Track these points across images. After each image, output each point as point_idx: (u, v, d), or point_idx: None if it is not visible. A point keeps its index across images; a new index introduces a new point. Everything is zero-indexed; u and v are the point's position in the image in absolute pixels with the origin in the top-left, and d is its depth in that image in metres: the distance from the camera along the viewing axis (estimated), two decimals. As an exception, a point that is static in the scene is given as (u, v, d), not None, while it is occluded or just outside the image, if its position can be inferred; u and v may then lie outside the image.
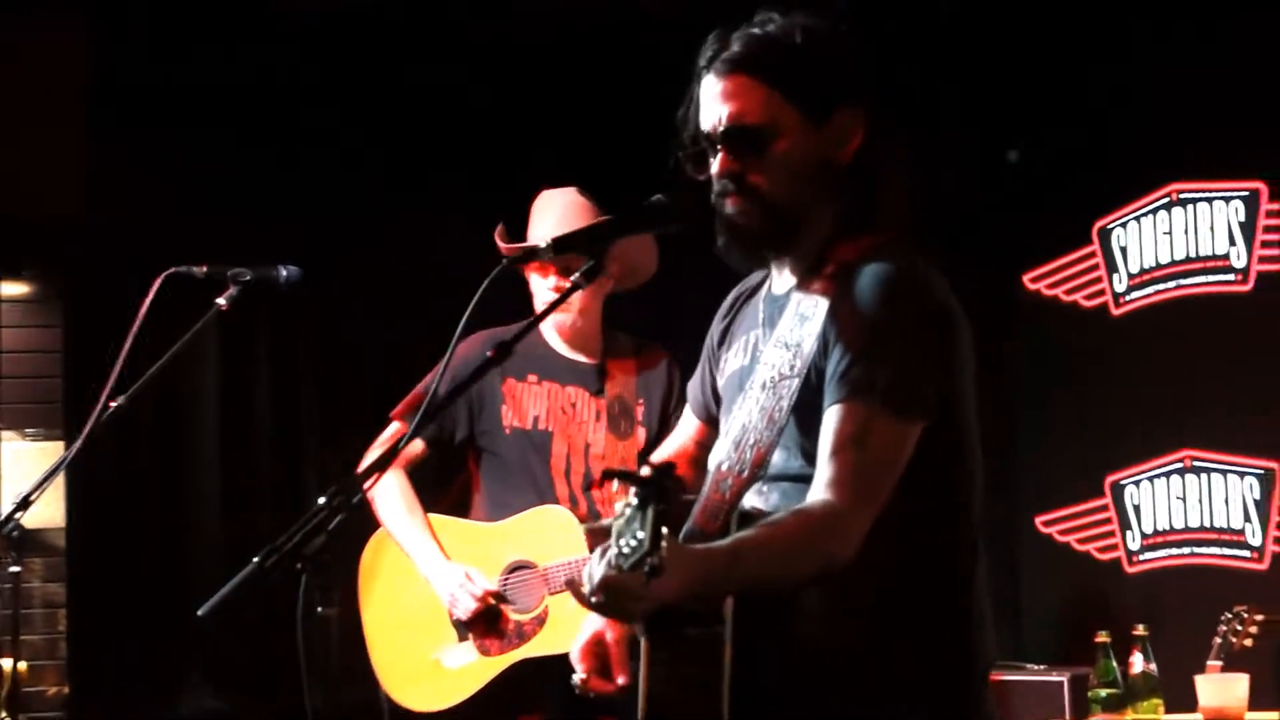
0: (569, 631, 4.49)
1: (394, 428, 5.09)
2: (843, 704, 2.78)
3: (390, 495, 5.06)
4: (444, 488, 5.32)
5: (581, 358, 5.15)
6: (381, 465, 2.74)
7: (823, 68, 2.89)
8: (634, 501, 2.35)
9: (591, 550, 2.56)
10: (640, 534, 2.32)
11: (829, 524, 2.68)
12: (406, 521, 5.06)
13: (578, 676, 3.14)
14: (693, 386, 3.32)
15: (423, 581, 5.00)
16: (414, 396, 5.05)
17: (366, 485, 2.75)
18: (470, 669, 4.94)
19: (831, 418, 2.73)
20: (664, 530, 2.30)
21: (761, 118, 2.85)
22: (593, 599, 2.50)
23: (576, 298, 4.97)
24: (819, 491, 2.70)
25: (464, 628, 4.95)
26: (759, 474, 2.84)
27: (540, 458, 5.01)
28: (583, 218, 4.94)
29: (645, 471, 2.33)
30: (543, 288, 5.01)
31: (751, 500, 2.87)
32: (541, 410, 5.07)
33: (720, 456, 2.94)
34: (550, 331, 5.15)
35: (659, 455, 3.39)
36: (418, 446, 5.10)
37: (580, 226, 4.56)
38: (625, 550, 2.35)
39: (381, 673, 5.08)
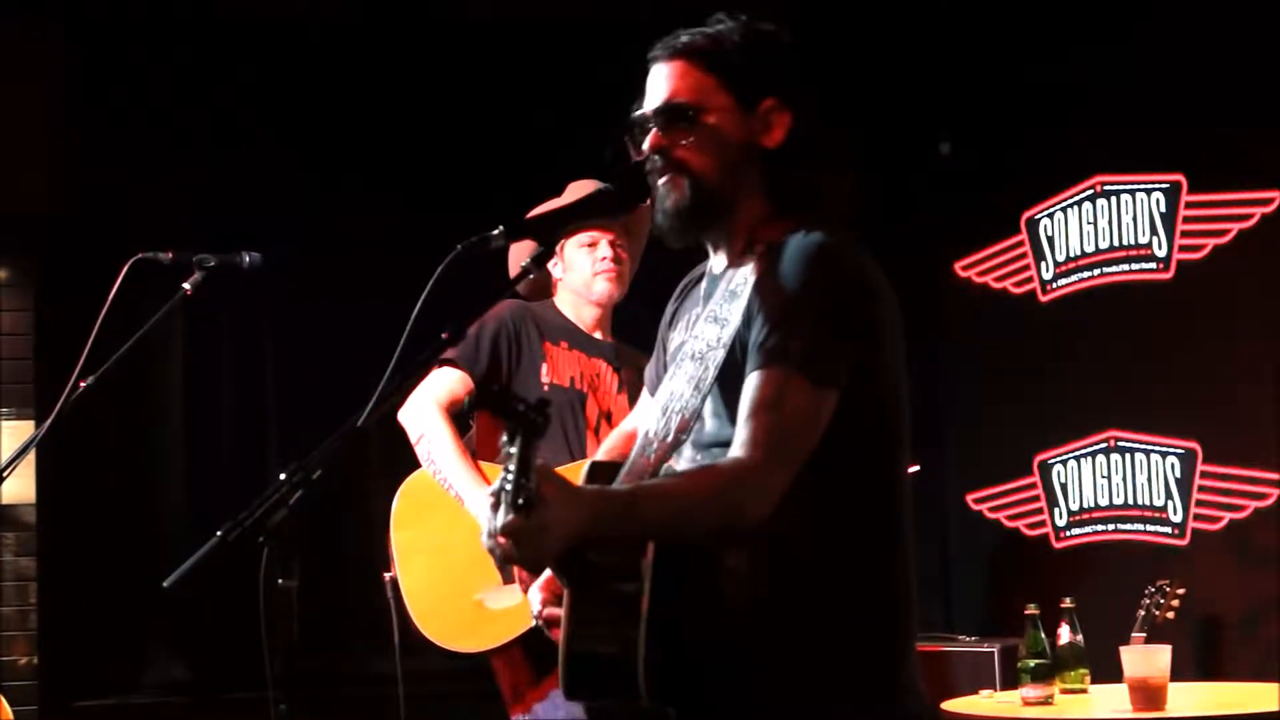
0: None
1: (442, 372, 4.93)
2: (761, 665, 2.80)
3: (441, 438, 4.88)
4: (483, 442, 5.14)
5: (599, 335, 5.14)
6: (330, 455, 2.70)
7: (755, 58, 2.98)
8: (506, 439, 2.40)
9: None
10: (512, 468, 2.37)
11: (736, 478, 2.70)
12: (459, 464, 4.85)
13: (534, 609, 3.19)
14: (649, 367, 3.36)
15: (465, 525, 4.82)
16: (464, 342, 4.90)
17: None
18: (517, 610, 4.79)
19: (750, 384, 2.76)
20: (534, 463, 2.37)
21: (692, 96, 2.93)
22: (488, 547, 2.53)
23: (627, 274, 5.04)
24: (734, 451, 2.73)
25: (504, 569, 4.81)
26: (682, 439, 2.89)
27: (576, 416, 4.95)
28: None
29: (511, 403, 2.38)
30: (588, 260, 5.03)
31: (684, 466, 2.91)
32: (576, 374, 5.03)
33: (649, 424, 3.00)
34: (569, 307, 5.13)
35: (614, 433, 3.47)
36: (464, 387, 4.95)
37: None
38: (507, 489, 2.39)
39: (420, 615, 4.89)
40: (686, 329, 3.09)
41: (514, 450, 2.38)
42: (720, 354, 2.86)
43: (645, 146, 2.96)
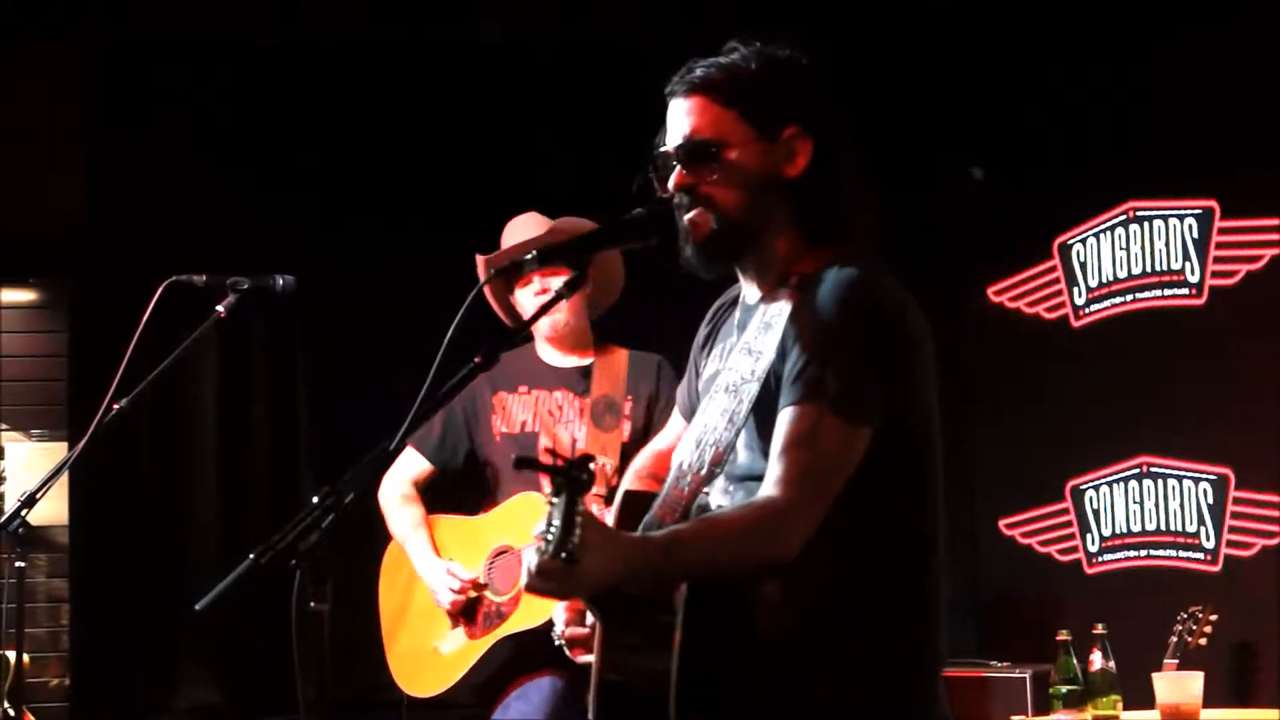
0: (541, 608, 4.64)
1: (406, 452, 5.38)
2: (792, 697, 2.81)
3: (395, 506, 5.40)
4: (483, 495, 5.45)
5: (572, 360, 5.29)
6: (363, 478, 2.80)
7: (774, 88, 2.99)
8: (552, 491, 2.43)
9: None
10: (556, 522, 2.41)
11: (770, 520, 2.74)
12: (407, 526, 5.37)
13: (558, 628, 3.22)
14: (680, 390, 3.39)
15: (422, 585, 5.30)
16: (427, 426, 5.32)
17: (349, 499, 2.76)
18: (460, 652, 5.16)
19: (784, 419, 2.78)
20: (578, 518, 2.41)
21: (714, 132, 2.94)
22: (526, 585, 2.59)
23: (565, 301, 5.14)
24: (766, 489, 2.76)
25: (452, 616, 5.20)
26: (716, 472, 2.90)
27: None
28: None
29: (551, 461, 2.42)
30: (527, 297, 5.17)
31: (718, 499, 2.94)
32: (529, 415, 5.23)
33: (683, 455, 3.02)
34: (540, 341, 5.32)
35: (645, 453, 3.49)
36: (426, 467, 5.41)
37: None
38: (549, 538, 2.42)
39: (394, 667, 5.42)
40: (721, 358, 3.10)
41: (557, 501, 2.41)
42: (754, 387, 2.87)
43: (670, 184, 2.98)
